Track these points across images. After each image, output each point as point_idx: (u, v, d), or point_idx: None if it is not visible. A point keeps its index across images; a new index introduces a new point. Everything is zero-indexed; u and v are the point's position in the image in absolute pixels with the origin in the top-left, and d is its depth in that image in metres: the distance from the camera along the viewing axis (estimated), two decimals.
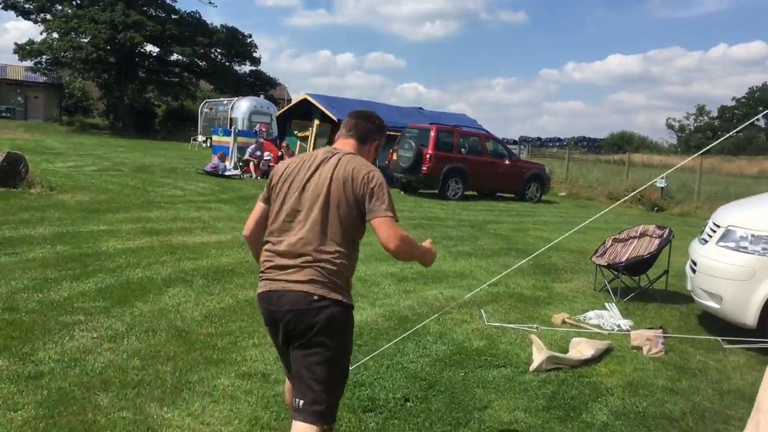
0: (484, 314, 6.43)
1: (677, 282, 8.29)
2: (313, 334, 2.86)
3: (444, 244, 10.42)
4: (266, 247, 3.05)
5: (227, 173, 19.24)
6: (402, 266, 8.40)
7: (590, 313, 6.81)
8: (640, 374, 5.22)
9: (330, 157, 3.03)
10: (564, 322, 6.52)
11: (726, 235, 6.24)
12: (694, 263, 6.51)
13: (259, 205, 3.22)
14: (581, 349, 5.51)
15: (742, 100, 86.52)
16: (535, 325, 5.89)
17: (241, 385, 4.40)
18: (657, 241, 7.84)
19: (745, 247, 6.00)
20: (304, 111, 22.07)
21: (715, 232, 6.43)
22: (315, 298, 2.85)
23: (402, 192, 18.56)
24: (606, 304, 7.34)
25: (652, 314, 7.17)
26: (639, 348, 5.84)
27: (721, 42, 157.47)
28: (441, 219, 13.56)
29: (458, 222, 13.25)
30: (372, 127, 3.20)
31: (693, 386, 5.04)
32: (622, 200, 9.84)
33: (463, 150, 18.08)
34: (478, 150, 18.37)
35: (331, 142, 22.43)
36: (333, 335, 2.89)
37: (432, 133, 17.44)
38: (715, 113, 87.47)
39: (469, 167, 17.73)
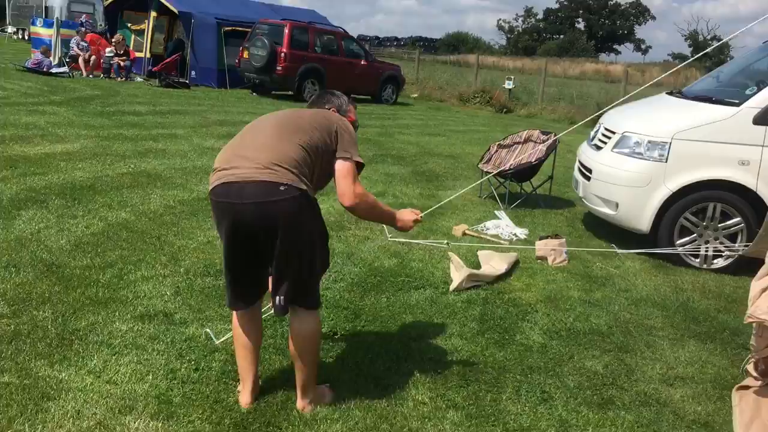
0: (386, 229, 6.07)
1: (559, 187, 8.38)
2: (287, 229, 2.79)
3: None
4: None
5: (53, 70, 17.10)
6: None
7: (488, 223, 6.67)
8: (553, 287, 5.14)
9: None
10: (465, 233, 6.33)
11: (621, 142, 6.23)
12: (588, 170, 6.50)
13: None
14: (494, 264, 5.34)
15: (565, 3, 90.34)
16: (445, 241, 5.62)
17: (142, 330, 3.75)
18: (542, 147, 7.80)
19: (641, 153, 6.02)
20: (138, 0, 19.88)
21: (609, 138, 6.42)
22: (282, 188, 2.74)
23: (253, 93, 17.51)
24: (496, 212, 7.25)
25: (540, 220, 7.18)
26: (543, 258, 5.78)
27: None
28: None
29: None
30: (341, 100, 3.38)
31: (606, 296, 5.03)
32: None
33: (318, 49, 17.22)
34: (334, 49, 17.59)
35: (170, 36, 20.82)
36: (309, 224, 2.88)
37: (286, 30, 16.37)
38: (541, 15, 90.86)
39: (326, 67, 16.96)
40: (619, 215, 6.15)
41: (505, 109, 20.06)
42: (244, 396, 3.11)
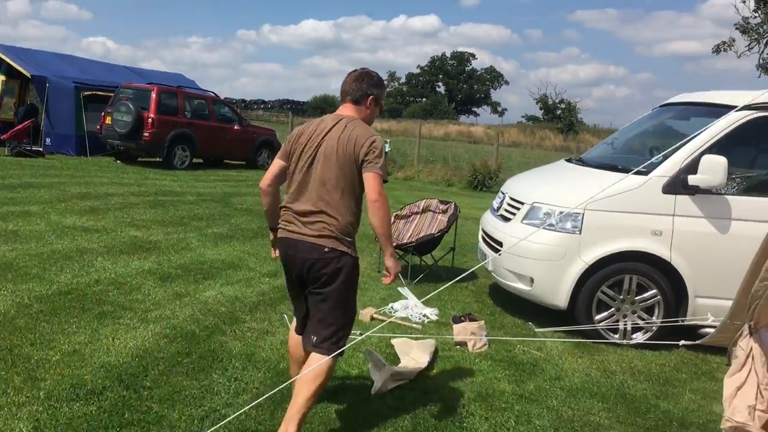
0: (287, 319, 5.37)
1: (457, 257, 8.02)
2: (324, 281, 3.38)
3: (195, 225, 9.01)
4: (284, 208, 3.52)
5: None
6: (159, 259, 6.94)
7: (395, 305, 6.13)
8: (482, 380, 4.63)
9: (336, 123, 3.46)
10: (373, 318, 5.74)
11: (531, 213, 5.94)
12: (497, 242, 6.15)
13: (277, 162, 3.61)
14: (415, 355, 4.78)
15: (425, 68, 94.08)
16: (358, 332, 5.00)
17: None
18: (441, 217, 7.43)
19: (553, 225, 5.75)
20: None
21: (517, 208, 6.12)
22: (326, 250, 3.34)
23: (117, 161, 16.28)
24: (399, 289, 6.74)
25: (447, 297, 6.73)
26: (463, 344, 5.28)
27: (402, 13, 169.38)
28: (178, 193, 11.93)
29: (198, 196, 11.78)
30: (364, 86, 3.57)
31: (540, 388, 4.58)
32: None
33: (188, 114, 16.32)
34: (205, 114, 16.76)
35: (22, 101, 19.21)
36: (341, 282, 3.39)
37: (153, 95, 15.39)
38: (404, 79, 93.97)
39: (197, 132, 16.08)
40: (535, 291, 5.81)
41: None
42: None
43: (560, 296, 5.68)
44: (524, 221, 5.97)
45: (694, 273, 5.52)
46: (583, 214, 5.61)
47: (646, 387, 4.77)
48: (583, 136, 59.69)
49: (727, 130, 5.57)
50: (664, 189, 5.55)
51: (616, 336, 5.69)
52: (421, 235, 7.35)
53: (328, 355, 3.37)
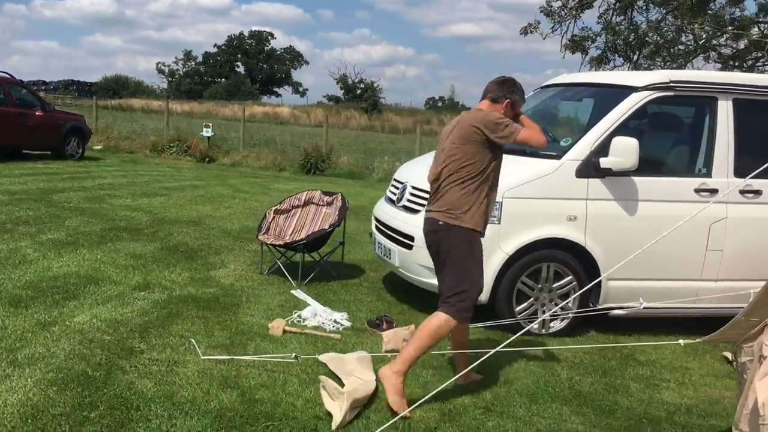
0: (195, 345, 4.55)
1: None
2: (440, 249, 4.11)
3: (24, 231, 7.62)
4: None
5: None
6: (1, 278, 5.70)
7: (303, 313, 5.49)
8: (436, 395, 4.19)
9: (461, 118, 4.16)
10: (286, 331, 5.08)
11: None
12: (407, 236, 5.72)
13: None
14: (358, 373, 4.22)
15: (223, 47, 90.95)
16: (293, 355, 4.33)
17: None
18: (327, 210, 6.85)
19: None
20: None
21: (426, 198, 5.72)
22: (440, 223, 4.07)
23: None
24: (294, 292, 6.12)
25: (344, 296, 6.21)
26: (395, 351, 4.81)
27: None
28: None
29: (10, 195, 10.08)
30: (504, 88, 4.22)
31: (499, 396, 4.24)
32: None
33: None
34: (1, 99, 14.52)
35: None
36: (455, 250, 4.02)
37: None
38: (200, 59, 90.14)
39: None
40: None
41: (207, 159, 18.68)
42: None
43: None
44: None
45: (606, 257, 5.48)
46: (502, 202, 5.35)
47: (593, 380, 4.63)
48: (387, 116, 61.21)
49: (631, 111, 5.57)
50: (577, 173, 5.44)
51: (535, 327, 5.52)
52: (307, 230, 6.73)
53: (442, 313, 3.98)
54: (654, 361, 5.19)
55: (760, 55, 20.28)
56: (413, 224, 5.68)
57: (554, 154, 5.58)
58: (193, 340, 4.60)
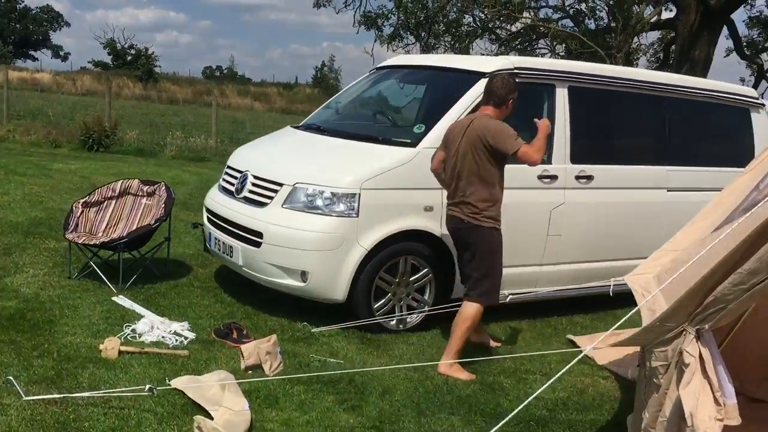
0: (15, 382, 3.66)
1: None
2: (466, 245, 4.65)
3: None
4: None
5: None
6: None
7: (139, 326, 4.72)
8: (316, 414, 3.77)
9: (472, 122, 4.60)
10: (122, 352, 4.31)
11: (295, 195, 5.10)
12: (254, 232, 5.15)
13: (440, 152, 4.80)
14: (228, 402, 3.65)
15: None
16: (146, 386, 3.60)
17: None
18: (148, 201, 6.03)
19: (319, 208, 5.02)
20: None
21: (272, 190, 5.20)
22: (465, 221, 4.56)
23: None
24: (114, 299, 5.30)
25: (177, 300, 5.49)
26: (255, 366, 4.29)
27: None
28: None
29: None
30: (506, 90, 4.65)
31: (384, 412, 3.91)
32: None
33: None
34: None
35: None
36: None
37: None
38: None
39: None
40: (310, 287, 5.02)
41: None
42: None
43: (339, 289, 5.02)
44: (286, 206, 5.11)
45: None
46: (359, 194, 4.99)
47: (471, 384, 4.46)
48: (164, 85, 57.82)
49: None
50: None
51: (393, 323, 5.27)
52: (125, 226, 5.87)
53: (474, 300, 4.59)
54: (510, 350, 5.18)
55: (533, 37, 21.86)
56: (261, 219, 5.14)
57: (408, 141, 5.33)
58: (11, 377, 3.71)
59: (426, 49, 20.59)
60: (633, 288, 4.34)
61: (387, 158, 5.19)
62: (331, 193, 5.00)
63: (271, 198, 5.18)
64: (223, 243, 5.47)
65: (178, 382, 3.90)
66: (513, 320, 5.73)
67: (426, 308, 5.34)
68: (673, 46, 19.16)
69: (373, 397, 4.05)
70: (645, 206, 6.27)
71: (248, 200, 5.36)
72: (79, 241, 5.59)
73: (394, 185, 5.11)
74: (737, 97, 7.00)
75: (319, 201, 5.03)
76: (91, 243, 5.60)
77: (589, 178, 5.92)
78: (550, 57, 19.66)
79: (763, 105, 7.30)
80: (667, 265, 4.39)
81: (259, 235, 5.09)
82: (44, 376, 3.86)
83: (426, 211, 5.20)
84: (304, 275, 5.00)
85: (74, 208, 5.92)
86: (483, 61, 5.85)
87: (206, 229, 5.86)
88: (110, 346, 4.28)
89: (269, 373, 4.25)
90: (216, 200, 5.76)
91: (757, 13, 24.50)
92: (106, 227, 5.94)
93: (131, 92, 54.42)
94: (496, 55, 16.66)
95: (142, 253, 6.04)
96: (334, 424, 3.67)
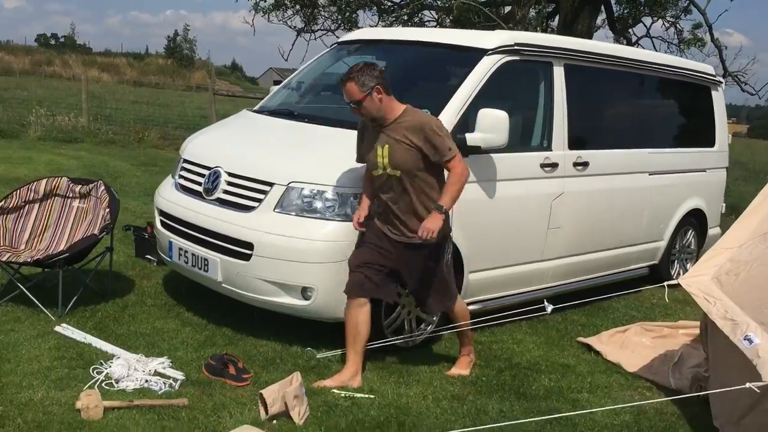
0: None
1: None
2: None
3: None
4: None
5: None
6: None
7: (114, 371, 3.71)
8: None
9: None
10: (107, 408, 3.34)
11: (289, 197, 4.25)
12: (243, 243, 4.25)
13: None
14: None
15: None
16: None
17: None
18: (82, 204, 4.91)
19: (318, 211, 4.22)
20: None
21: (256, 190, 4.32)
22: None
23: None
24: (58, 329, 4.24)
25: (135, 325, 4.51)
26: (282, 414, 3.47)
27: None
28: None
29: None
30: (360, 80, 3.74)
31: None
32: None
33: None
34: None
35: None
36: None
37: None
38: None
39: None
40: (315, 305, 4.21)
41: None
42: None
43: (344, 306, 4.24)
44: (278, 210, 4.25)
45: (469, 247, 4.76)
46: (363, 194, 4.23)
47: (499, 398, 3.88)
48: None
49: (486, 78, 4.83)
50: None
51: (400, 339, 4.58)
52: (52, 235, 4.75)
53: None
54: (535, 363, 4.65)
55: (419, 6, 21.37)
56: (250, 227, 4.24)
57: None
58: None
59: (308, 22, 19.57)
60: (692, 292, 3.96)
61: None
62: (336, 193, 4.21)
63: (258, 201, 4.30)
64: (193, 255, 4.51)
65: None
66: (513, 325, 5.19)
67: (435, 318, 4.70)
68: (557, 18, 19.38)
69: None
70: (634, 192, 5.97)
71: (224, 203, 4.44)
72: (3, 259, 4.41)
73: None
74: (700, 74, 6.85)
75: (318, 203, 4.22)
76: (20, 261, 4.44)
77: (585, 164, 5.50)
78: (436, 27, 19.29)
79: (721, 83, 7.22)
80: (726, 266, 4.04)
81: (249, 246, 4.20)
82: None
83: None
84: (306, 292, 4.19)
85: None
86: (480, 36, 5.18)
87: (161, 237, 4.85)
88: (91, 404, 3.29)
89: (299, 421, 3.45)
90: (175, 202, 4.75)
91: None
92: (29, 238, 4.78)
93: None
94: (386, 26, 16.00)
95: (76, 267, 4.91)
96: None
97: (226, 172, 4.51)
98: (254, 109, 5.55)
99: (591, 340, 5.05)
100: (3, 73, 45.50)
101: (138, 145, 14.05)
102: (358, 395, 3.79)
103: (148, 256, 5.80)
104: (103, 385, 3.59)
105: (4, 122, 14.92)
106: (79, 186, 4.92)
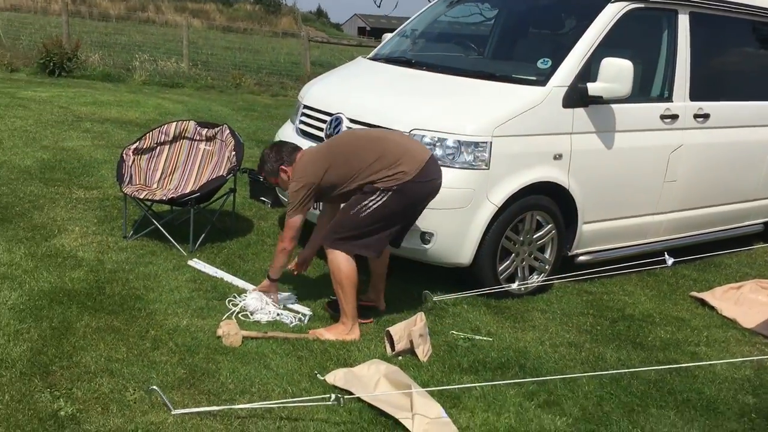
0: (161, 394, 2.90)
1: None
2: None
3: None
4: None
5: None
6: None
7: (247, 303, 3.95)
8: (510, 416, 3.16)
9: None
10: (245, 338, 3.58)
11: None
12: None
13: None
14: (422, 410, 2.99)
15: None
16: (331, 396, 2.89)
17: None
18: (208, 147, 5.15)
19: (443, 159, 4.28)
20: None
21: None
22: None
23: None
24: (190, 263, 4.51)
25: (257, 263, 4.73)
26: (406, 352, 3.64)
27: None
28: None
29: None
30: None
31: (593, 411, 3.34)
32: None
33: None
34: None
35: None
36: None
37: None
38: None
39: None
40: (435, 249, 4.33)
41: None
42: None
43: (465, 251, 4.35)
44: None
45: (584, 198, 4.75)
46: (491, 142, 4.27)
47: (615, 347, 3.92)
48: None
49: (609, 27, 4.73)
50: (564, 102, 4.53)
51: (514, 286, 4.66)
52: (182, 175, 5.02)
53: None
54: (649, 316, 4.65)
55: None
56: None
57: (534, 79, 4.59)
58: (155, 386, 2.94)
59: None
60: None
61: (516, 99, 4.45)
62: (457, 141, 4.26)
63: None
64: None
65: (339, 379, 3.23)
66: (623, 277, 5.16)
67: (547, 267, 4.75)
68: None
69: (560, 389, 3.45)
70: (754, 146, 5.77)
71: None
72: (141, 196, 4.71)
73: (524, 131, 4.40)
74: None
75: (439, 150, 4.28)
76: (155, 198, 4.72)
77: (706, 116, 5.34)
78: None
79: None
80: None
81: None
82: (177, 378, 3.12)
83: (555, 159, 4.53)
84: (425, 236, 4.30)
85: (125, 155, 4.98)
86: None
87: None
88: (231, 332, 3.54)
89: (423, 358, 3.60)
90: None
91: None
92: (160, 178, 5.06)
93: (58, 8, 50.73)
94: None
95: (202, 207, 5.18)
96: (540, 428, 3.08)
97: (347, 118, 4.62)
98: (369, 56, 5.62)
99: (705, 295, 4.99)
100: (101, 19, 47.06)
101: (235, 90, 14.36)
102: (477, 337, 3.91)
103: (263, 198, 6.03)
104: (239, 316, 3.83)
105: (111, 66, 15.52)
106: (206, 129, 5.15)
